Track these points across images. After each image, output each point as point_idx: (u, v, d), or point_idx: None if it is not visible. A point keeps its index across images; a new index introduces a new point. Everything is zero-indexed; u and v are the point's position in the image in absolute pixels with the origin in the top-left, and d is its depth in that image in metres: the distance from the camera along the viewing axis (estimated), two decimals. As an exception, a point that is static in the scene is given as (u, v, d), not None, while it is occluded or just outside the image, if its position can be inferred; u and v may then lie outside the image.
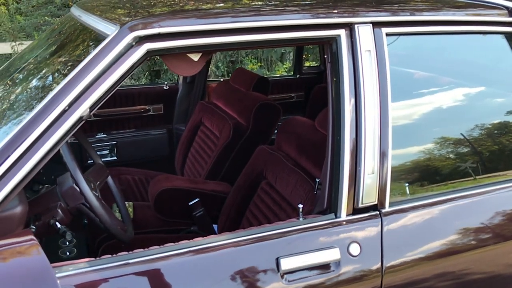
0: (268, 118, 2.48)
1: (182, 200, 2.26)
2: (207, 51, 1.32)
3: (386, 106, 1.38)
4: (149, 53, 1.20)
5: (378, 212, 1.38)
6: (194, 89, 3.13)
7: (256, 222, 2.08)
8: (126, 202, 2.38)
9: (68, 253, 2.15)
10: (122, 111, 3.08)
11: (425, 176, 1.54)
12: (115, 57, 1.16)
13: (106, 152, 3.03)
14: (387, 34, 1.43)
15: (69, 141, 2.97)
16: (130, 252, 1.22)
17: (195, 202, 2.26)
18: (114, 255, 1.20)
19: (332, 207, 1.36)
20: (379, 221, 1.36)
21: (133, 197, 2.60)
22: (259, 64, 7.22)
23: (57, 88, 1.12)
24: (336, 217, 1.35)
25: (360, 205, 1.36)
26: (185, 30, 1.22)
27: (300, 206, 1.37)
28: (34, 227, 1.45)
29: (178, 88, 3.19)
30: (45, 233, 1.49)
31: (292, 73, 3.96)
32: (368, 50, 1.38)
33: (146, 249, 1.23)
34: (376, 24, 1.41)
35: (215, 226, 2.33)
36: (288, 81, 3.75)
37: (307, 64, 5.62)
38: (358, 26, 1.38)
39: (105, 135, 3.01)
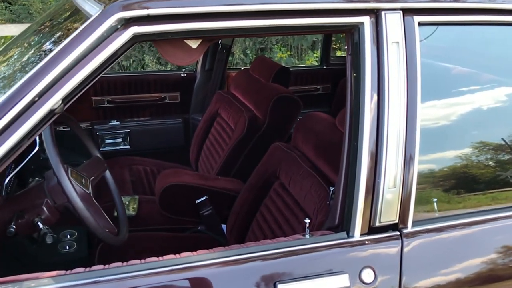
0: (286, 112, 2.29)
1: (189, 197, 2.11)
2: (206, 37, 1.15)
3: (414, 108, 1.17)
4: (136, 38, 1.04)
5: (398, 233, 1.18)
6: (212, 78, 2.96)
7: (266, 226, 1.91)
8: (131, 196, 2.27)
9: (67, 247, 2.04)
10: (136, 98, 2.96)
11: (458, 190, 1.32)
12: (94, 42, 0.99)
13: (119, 140, 2.92)
14: (420, 24, 1.21)
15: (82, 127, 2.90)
16: (106, 266, 1.07)
17: (202, 200, 2.10)
18: (87, 269, 1.05)
19: (345, 224, 1.17)
20: (399, 243, 1.17)
21: (142, 189, 2.47)
22: (288, 52, 6.98)
23: (26, 76, 0.97)
24: (348, 237, 1.16)
25: (378, 224, 1.16)
26: (180, 12, 1.05)
27: (307, 220, 1.19)
28: (14, 227, 1.32)
29: (196, 76, 3.03)
30: (27, 233, 1.37)
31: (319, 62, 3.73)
32: (396, 42, 1.17)
33: (124, 263, 1.08)
34: (407, 11, 1.20)
35: (224, 226, 2.18)
36: (314, 72, 3.52)
37: (338, 54, 5.36)
38: (385, 13, 1.18)
39: (118, 123, 2.90)
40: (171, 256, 1.11)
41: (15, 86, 0.96)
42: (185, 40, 1.16)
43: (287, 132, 2.34)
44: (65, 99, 0.98)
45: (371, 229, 1.17)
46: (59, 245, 2.04)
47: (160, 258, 1.12)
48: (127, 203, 2.20)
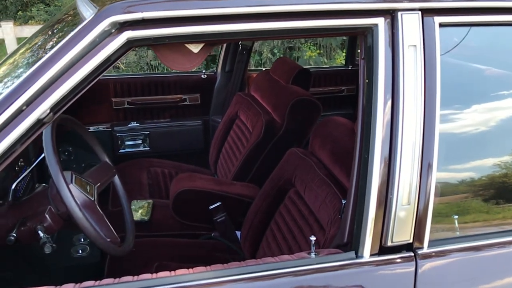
0: (305, 116, 2.20)
1: (202, 203, 2.06)
2: (208, 41, 1.08)
3: (433, 118, 1.07)
4: (131, 43, 0.98)
5: (412, 254, 1.08)
6: (232, 79, 2.90)
7: (280, 236, 1.84)
8: (146, 201, 2.23)
9: (80, 251, 2.03)
10: (156, 99, 2.93)
11: (483, 206, 1.20)
12: (86, 48, 0.95)
13: (139, 142, 2.91)
14: (442, 25, 1.10)
15: (101, 129, 2.91)
16: (116, 280, 1.02)
17: (216, 206, 2.05)
18: (76, 285, 1.00)
19: (354, 243, 1.08)
20: (413, 264, 1.07)
21: (158, 193, 2.44)
22: (317, 51, 6.85)
23: (15, 83, 0.93)
24: (357, 257, 1.07)
25: (390, 244, 1.07)
26: (176, 16, 0.98)
27: (313, 238, 1.11)
28: (14, 235, 1.30)
29: (217, 77, 2.98)
30: (28, 241, 1.34)
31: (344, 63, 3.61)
32: (413, 45, 1.07)
33: (116, 279, 1.03)
34: (427, 12, 1.09)
35: (239, 233, 2.11)
36: (338, 72, 3.40)
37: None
38: (402, 14, 1.08)
39: (138, 124, 2.88)
40: (165, 272, 1.05)
41: (3, 93, 0.92)
42: (186, 45, 1.10)
43: (306, 137, 2.25)
44: (53, 108, 0.93)
45: (382, 249, 1.07)
46: (72, 249, 2.03)
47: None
48: (140, 207, 2.17)
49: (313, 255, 1.09)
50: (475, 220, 1.18)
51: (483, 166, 1.17)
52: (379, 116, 1.06)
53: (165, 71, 6.27)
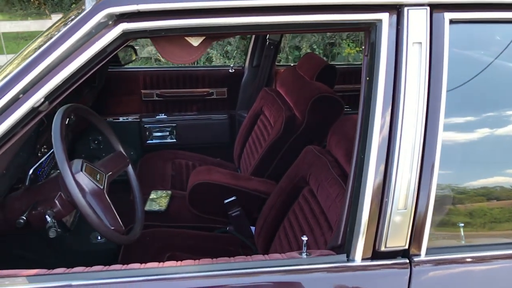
0: (326, 113, 2.15)
1: (217, 196, 2.07)
2: (204, 34, 1.08)
3: (436, 120, 1.02)
4: (126, 35, 0.99)
5: (407, 260, 1.03)
6: (258, 74, 2.89)
7: (292, 234, 1.82)
8: (165, 191, 2.27)
9: (99, 238, 2.10)
10: (184, 92, 2.97)
11: (489, 215, 1.13)
12: (81, 39, 0.97)
13: (166, 133, 2.96)
14: (452, 21, 1.04)
15: (130, 119, 2.97)
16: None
17: (231, 200, 2.05)
18: (67, 269, 1.03)
19: (346, 246, 1.05)
20: (408, 272, 1.02)
21: (179, 184, 2.48)
22: (357, 48, 6.70)
23: (14, 72, 0.96)
24: (348, 260, 1.03)
25: (383, 248, 1.03)
26: (171, 8, 0.99)
27: (305, 238, 1.08)
28: (24, 218, 1.35)
29: (244, 72, 2.98)
30: (37, 225, 1.39)
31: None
32: (418, 43, 1.02)
33: (106, 267, 1.05)
34: (436, 7, 1.04)
35: (253, 229, 2.11)
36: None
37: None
38: (408, 9, 1.03)
39: (165, 116, 2.93)
40: (154, 263, 1.06)
41: (3, 81, 0.96)
42: (186, 38, 1.10)
43: (326, 135, 2.20)
44: (48, 97, 0.96)
45: (376, 254, 1.03)
46: (91, 235, 2.10)
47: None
48: (158, 197, 2.21)
49: (304, 255, 1.06)
50: (480, 229, 1.11)
51: (493, 172, 1.10)
52: (377, 115, 1.02)
53: (195, 65, 6.36)
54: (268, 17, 1.02)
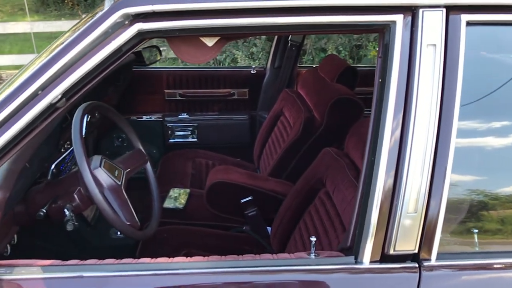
0: (345, 115, 2.14)
1: (234, 196, 2.08)
2: (218, 35, 1.09)
3: (449, 125, 1.00)
4: (142, 34, 1.02)
5: (417, 265, 1.02)
6: (280, 75, 2.89)
7: (307, 235, 1.82)
8: (183, 189, 2.30)
9: (118, 233, 2.15)
10: (206, 93, 3.00)
11: (505, 221, 1.10)
12: (98, 38, 1.00)
13: (188, 133, 3.00)
14: (469, 23, 1.03)
15: (153, 118, 3.03)
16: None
17: (247, 200, 2.06)
18: (80, 261, 1.06)
19: (354, 248, 1.04)
20: (417, 277, 1.01)
21: (199, 183, 2.50)
22: (384, 50, 6.59)
23: (34, 69, 1.00)
24: (355, 262, 1.03)
25: (392, 252, 1.02)
26: (186, 9, 1.01)
27: (313, 239, 1.08)
28: (44, 211, 1.40)
29: (266, 73, 2.99)
30: (56, 218, 1.44)
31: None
32: (433, 45, 1.01)
33: (118, 260, 1.07)
34: (453, 9, 1.02)
35: (270, 229, 2.11)
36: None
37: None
38: (423, 11, 1.02)
39: (187, 116, 2.97)
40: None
41: (23, 78, 1.00)
42: (201, 38, 1.12)
43: (345, 137, 2.19)
44: (66, 94, 0.99)
45: (384, 257, 1.02)
46: (110, 230, 2.15)
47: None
48: (177, 195, 2.24)
49: (312, 256, 1.06)
50: (494, 236, 1.08)
51: (509, 178, 1.08)
52: (389, 117, 1.01)
53: (221, 65, 6.40)
54: (282, 18, 1.03)
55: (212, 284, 1.04)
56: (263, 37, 6.27)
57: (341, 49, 6.61)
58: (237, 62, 6.49)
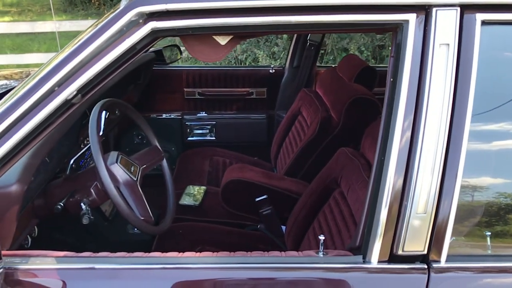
0: (362, 115, 2.12)
1: (249, 194, 2.09)
2: (232, 33, 1.10)
3: (461, 125, 0.99)
4: (155, 33, 1.04)
5: (426, 266, 1.01)
6: (298, 75, 2.89)
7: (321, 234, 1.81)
8: (200, 186, 2.33)
9: (135, 229, 2.19)
10: (225, 91, 3.02)
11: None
12: (112, 36, 1.02)
13: (206, 131, 3.02)
14: (484, 23, 1.01)
15: (173, 116, 3.06)
16: (111, 254, 1.10)
17: (262, 199, 2.07)
18: (93, 253, 1.09)
19: (363, 247, 1.04)
20: (425, 278, 1.00)
21: (215, 181, 2.53)
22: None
23: (51, 66, 1.03)
24: (363, 261, 1.02)
25: (400, 252, 1.01)
26: (198, 8, 1.02)
27: (322, 237, 1.08)
28: (62, 204, 1.44)
29: (284, 72, 2.99)
30: (73, 211, 1.48)
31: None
32: (446, 44, 1.00)
33: (129, 254, 1.10)
34: (467, 8, 1.01)
35: (284, 228, 2.12)
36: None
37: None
38: (437, 10, 1.00)
39: (206, 115, 3.00)
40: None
41: (42, 74, 1.03)
42: (213, 36, 1.13)
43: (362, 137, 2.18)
44: (81, 90, 1.02)
45: (393, 257, 1.02)
46: (128, 226, 2.19)
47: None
48: (194, 192, 2.26)
49: (320, 254, 1.07)
50: (507, 239, 1.06)
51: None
52: (399, 116, 1.00)
53: (243, 65, 6.41)
54: (294, 16, 1.03)
55: (221, 279, 1.05)
56: (285, 36, 6.26)
57: (363, 49, 6.54)
58: (258, 62, 6.50)
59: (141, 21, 1.03)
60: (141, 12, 1.02)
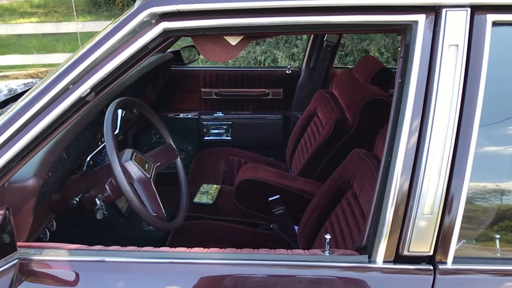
0: (377, 117, 2.11)
1: (262, 194, 2.11)
2: (243, 34, 1.12)
3: (469, 127, 0.98)
4: (167, 33, 1.06)
5: (431, 267, 1.01)
6: (314, 76, 2.89)
7: (333, 236, 1.81)
8: (214, 185, 2.35)
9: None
10: (241, 92, 3.04)
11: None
12: (126, 36, 1.05)
13: (222, 131, 3.05)
14: (495, 24, 1.00)
15: (190, 116, 3.10)
16: (122, 248, 1.13)
17: (275, 199, 2.08)
18: (104, 247, 1.13)
19: (369, 247, 1.04)
20: (431, 279, 0.99)
21: (230, 180, 2.55)
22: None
23: (66, 65, 1.07)
24: (369, 261, 1.03)
25: (406, 252, 1.01)
26: (209, 8, 1.04)
27: (328, 236, 1.09)
28: (77, 200, 1.48)
29: (301, 73, 2.99)
30: (88, 206, 1.52)
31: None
32: (455, 45, 0.99)
33: (138, 248, 1.13)
34: (478, 8, 1.00)
35: (297, 228, 2.12)
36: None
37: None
38: (447, 11, 1.00)
39: (222, 114, 3.03)
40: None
41: (57, 73, 1.07)
42: (224, 37, 1.15)
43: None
44: (95, 88, 1.05)
45: (398, 257, 1.02)
46: (143, 222, 2.23)
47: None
48: (208, 191, 2.29)
49: (326, 253, 1.07)
50: (516, 243, 1.05)
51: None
52: (407, 116, 1.00)
53: (260, 66, 6.42)
54: (304, 17, 1.04)
55: (227, 275, 1.07)
56: (305, 37, 6.26)
57: (383, 50, 6.49)
58: (277, 63, 6.51)
59: (153, 21, 1.06)
60: (153, 13, 1.05)
